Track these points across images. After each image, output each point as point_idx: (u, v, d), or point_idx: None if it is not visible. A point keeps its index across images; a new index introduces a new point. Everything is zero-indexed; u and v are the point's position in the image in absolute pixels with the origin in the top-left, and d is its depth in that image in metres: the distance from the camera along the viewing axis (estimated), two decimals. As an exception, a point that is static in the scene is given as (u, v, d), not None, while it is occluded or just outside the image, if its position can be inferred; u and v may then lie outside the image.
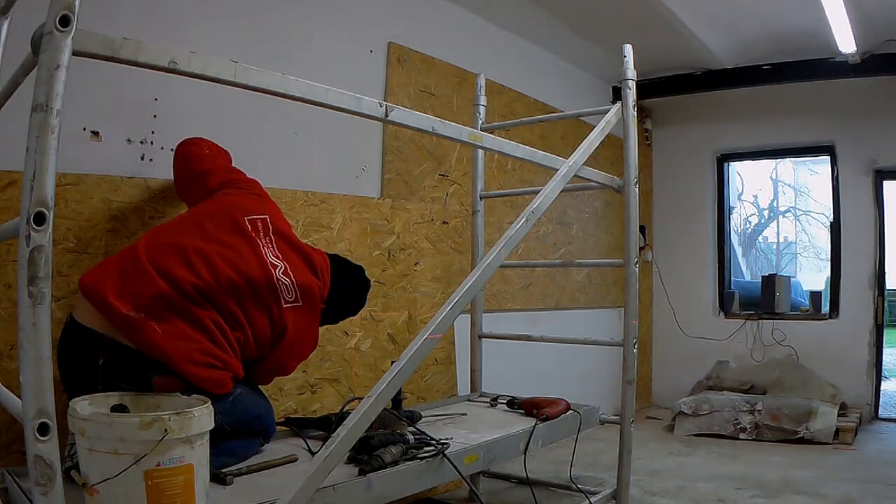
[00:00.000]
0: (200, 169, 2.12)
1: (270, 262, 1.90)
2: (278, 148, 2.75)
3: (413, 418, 2.28)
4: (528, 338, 3.18)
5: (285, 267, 1.93)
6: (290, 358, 2.02)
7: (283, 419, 2.31)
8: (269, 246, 1.94)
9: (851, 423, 4.32)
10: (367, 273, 2.27)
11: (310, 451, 2.01)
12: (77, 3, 1.08)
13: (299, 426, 2.23)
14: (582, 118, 4.12)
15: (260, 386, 2.06)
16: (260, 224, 1.95)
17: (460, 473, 1.97)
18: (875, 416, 4.88)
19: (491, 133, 2.69)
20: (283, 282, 1.90)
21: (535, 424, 2.38)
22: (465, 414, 2.65)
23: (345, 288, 2.14)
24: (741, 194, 11.91)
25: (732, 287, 5.70)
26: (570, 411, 2.62)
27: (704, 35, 4.25)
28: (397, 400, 2.31)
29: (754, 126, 5.34)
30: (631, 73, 2.70)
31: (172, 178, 2.25)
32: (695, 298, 5.54)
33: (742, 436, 4.37)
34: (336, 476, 1.65)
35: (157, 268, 1.71)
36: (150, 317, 1.64)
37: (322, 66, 2.89)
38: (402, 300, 3.11)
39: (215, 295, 1.76)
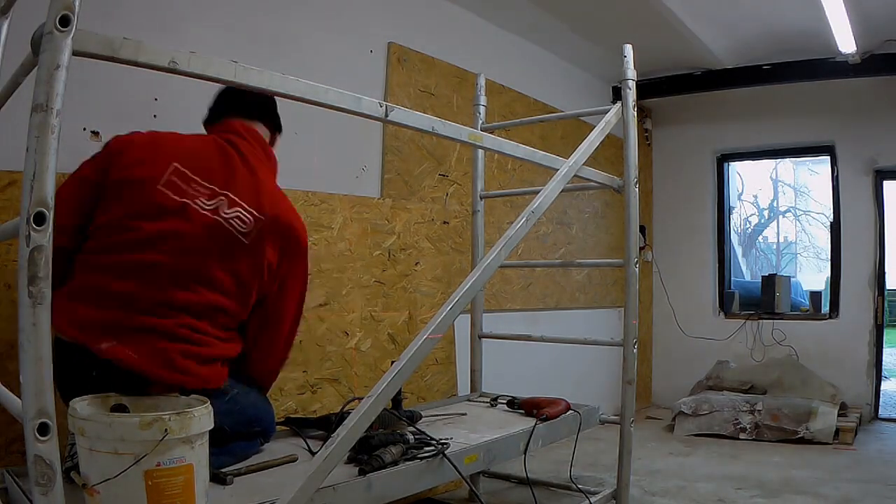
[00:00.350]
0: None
1: (206, 210, 1.68)
2: (278, 148, 2.74)
3: (413, 418, 2.28)
4: (528, 338, 3.18)
5: (227, 199, 1.71)
6: (281, 317, 1.86)
7: (283, 419, 2.31)
8: (199, 195, 1.70)
9: (851, 423, 4.32)
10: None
11: (310, 451, 2.01)
12: (77, 3, 1.08)
13: (299, 426, 2.23)
14: (582, 118, 4.12)
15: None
16: (176, 179, 1.69)
17: (460, 473, 1.97)
18: (875, 416, 4.88)
19: (491, 133, 2.69)
20: (231, 217, 1.70)
21: (535, 424, 2.38)
22: (465, 414, 2.65)
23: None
24: (741, 194, 11.92)
25: (732, 287, 5.70)
26: (570, 411, 2.62)
27: (704, 35, 4.25)
28: (397, 400, 2.31)
29: (754, 126, 5.35)
30: (631, 73, 2.70)
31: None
32: (695, 298, 5.54)
33: (742, 436, 4.37)
34: (336, 476, 1.64)
35: (105, 291, 1.59)
36: (121, 343, 1.56)
37: (322, 66, 2.89)
38: (403, 300, 3.11)
39: (176, 299, 1.63)
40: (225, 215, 1.71)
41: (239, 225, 1.71)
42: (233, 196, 1.73)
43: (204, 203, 1.70)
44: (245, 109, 1.93)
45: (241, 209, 1.73)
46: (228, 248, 1.70)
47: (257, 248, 1.74)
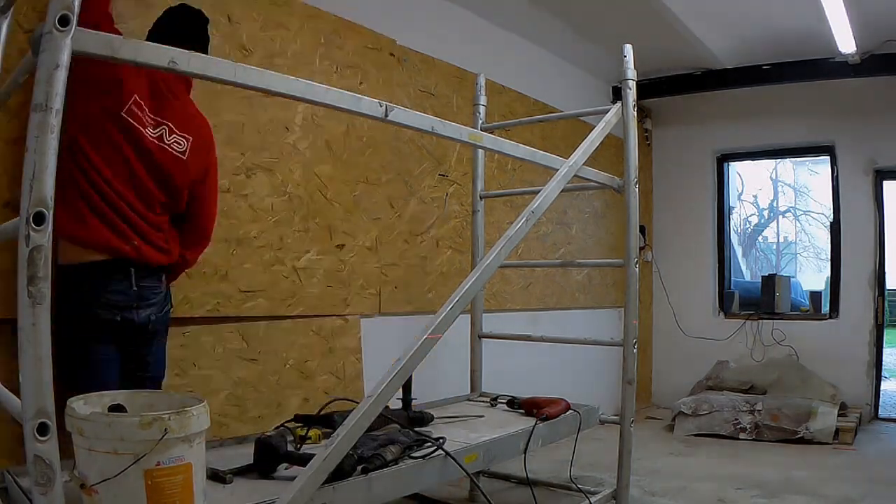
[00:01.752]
0: None
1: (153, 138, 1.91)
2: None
3: (424, 419, 2.28)
4: (528, 338, 3.18)
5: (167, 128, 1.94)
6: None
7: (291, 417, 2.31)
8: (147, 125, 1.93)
9: (851, 423, 4.32)
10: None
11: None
12: (77, 3, 1.08)
13: (305, 422, 2.23)
14: (582, 118, 4.11)
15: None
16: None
17: (464, 470, 1.96)
18: (875, 416, 4.89)
19: (491, 133, 2.69)
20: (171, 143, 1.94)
21: (535, 424, 2.38)
22: (465, 414, 2.65)
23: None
24: (741, 194, 11.92)
25: (732, 287, 5.70)
26: (570, 411, 2.62)
27: (704, 35, 4.25)
28: (407, 401, 2.33)
29: (754, 126, 5.34)
30: (631, 73, 2.70)
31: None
32: (695, 298, 5.54)
33: (742, 436, 4.37)
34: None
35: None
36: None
37: (322, 66, 2.88)
38: (402, 300, 3.11)
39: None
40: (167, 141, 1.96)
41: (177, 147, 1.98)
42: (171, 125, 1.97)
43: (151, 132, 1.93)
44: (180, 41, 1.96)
45: (177, 135, 1.99)
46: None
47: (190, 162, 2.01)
